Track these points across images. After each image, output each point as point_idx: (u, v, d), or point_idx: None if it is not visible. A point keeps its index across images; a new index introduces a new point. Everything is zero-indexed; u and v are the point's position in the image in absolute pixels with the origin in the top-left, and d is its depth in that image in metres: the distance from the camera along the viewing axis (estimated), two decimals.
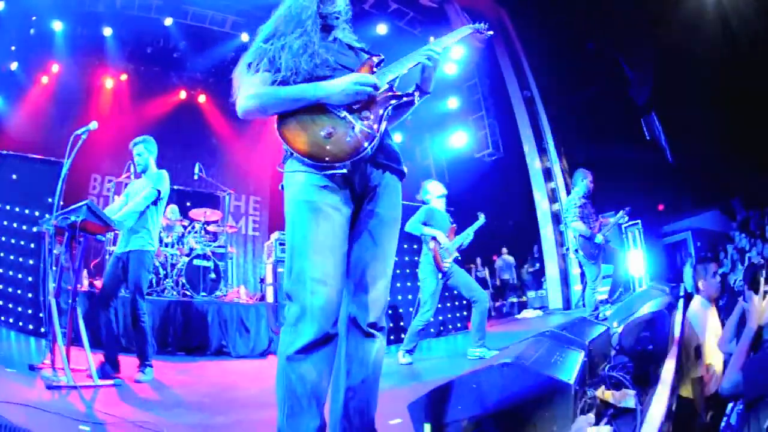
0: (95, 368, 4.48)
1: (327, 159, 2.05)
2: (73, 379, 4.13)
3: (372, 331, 2.22)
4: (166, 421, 3.65)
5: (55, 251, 4.79)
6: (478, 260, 14.24)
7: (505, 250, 14.51)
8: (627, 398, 2.38)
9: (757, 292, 3.19)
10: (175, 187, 10.38)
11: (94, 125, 4.73)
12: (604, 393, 2.43)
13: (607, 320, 5.23)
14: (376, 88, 2.18)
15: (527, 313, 11.16)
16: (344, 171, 2.07)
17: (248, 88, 2.23)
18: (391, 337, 8.15)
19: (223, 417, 4.01)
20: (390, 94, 2.28)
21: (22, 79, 10.85)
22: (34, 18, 10.31)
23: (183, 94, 13.47)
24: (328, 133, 2.08)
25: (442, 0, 11.21)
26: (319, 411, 2.01)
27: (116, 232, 5.95)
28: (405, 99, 2.34)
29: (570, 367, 2.34)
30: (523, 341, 2.78)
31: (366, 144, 2.09)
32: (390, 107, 2.25)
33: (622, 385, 2.54)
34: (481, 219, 6.41)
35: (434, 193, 6.43)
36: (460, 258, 6.37)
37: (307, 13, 2.33)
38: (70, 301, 4.64)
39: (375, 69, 2.33)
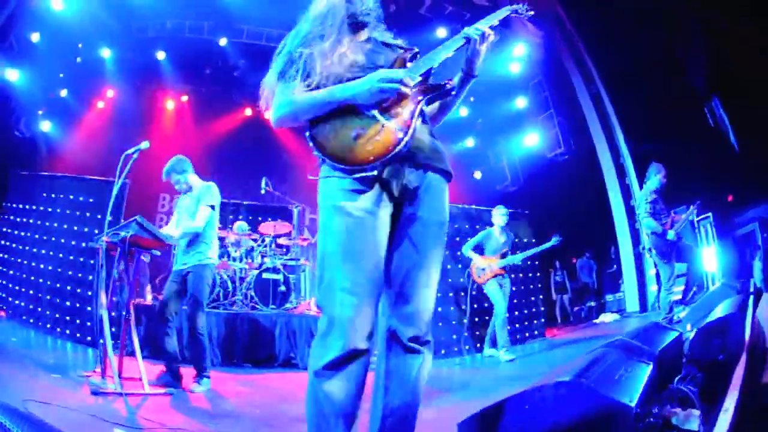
0: (148, 377, 4.62)
1: (356, 161, 1.95)
2: (121, 387, 4.26)
3: (414, 345, 2.05)
4: (207, 430, 3.76)
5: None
6: (557, 263, 13.96)
7: (588, 253, 14.11)
8: (691, 420, 2.19)
9: None
10: (245, 202, 10.90)
11: (145, 145, 4.92)
12: (668, 413, 2.28)
13: (680, 323, 5.05)
14: (402, 83, 2.02)
15: (605, 317, 10.74)
16: (374, 173, 1.98)
17: (280, 96, 2.18)
18: (442, 351, 8.01)
19: (268, 429, 4.07)
20: (422, 87, 2.13)
21: (75, 106, 11.07)
22: (80, 45, 10.52)
23: (248, 111, 13.50)
24: (357, 134, 1.99)
25: None
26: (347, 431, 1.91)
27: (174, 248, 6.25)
28: (438, 90, 2.19)
29: (634, 386, 2.13)
30: (591, 352, 2.60)
31: (396, 143, 1.96)
32: (423, 101, 2.11)
33: (689, 400, 2.38)
34: (553, 241, 7.44)
35: (496, 220, 7.62)
36: (504, 274, 7.42)
37: (336, 14, 2.25)
38: (123, 313, 4.83)
39: (408, 63, 2.19)
